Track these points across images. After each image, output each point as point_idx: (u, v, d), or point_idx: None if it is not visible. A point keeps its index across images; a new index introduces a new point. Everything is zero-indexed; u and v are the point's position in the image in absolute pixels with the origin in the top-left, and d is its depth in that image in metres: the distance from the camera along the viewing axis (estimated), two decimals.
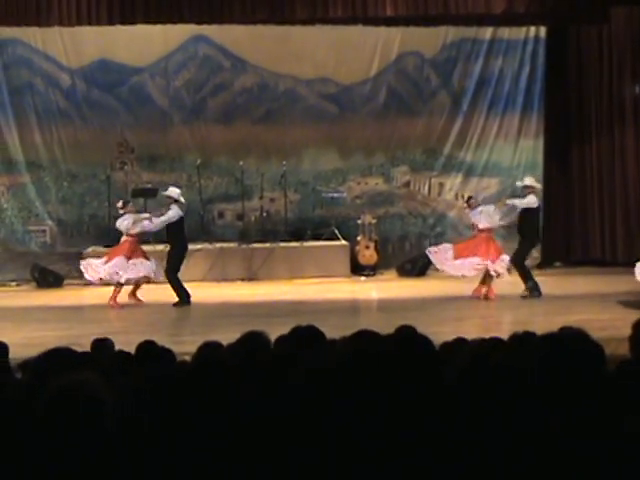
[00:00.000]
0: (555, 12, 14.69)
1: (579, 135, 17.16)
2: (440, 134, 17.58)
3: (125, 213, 13.77)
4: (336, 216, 17.47)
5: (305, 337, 4.89)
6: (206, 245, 16.17)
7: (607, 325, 10.06)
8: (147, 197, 16.54)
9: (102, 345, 6.19)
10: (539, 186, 14.27)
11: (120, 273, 13.46)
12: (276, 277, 16.13)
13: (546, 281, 14.90)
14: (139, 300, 13.77)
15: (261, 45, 16.93)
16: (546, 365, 3.53)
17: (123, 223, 13.69)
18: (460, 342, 5.35)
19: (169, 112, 17.42)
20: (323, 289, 15.12)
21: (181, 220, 13.62)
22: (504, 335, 5.55)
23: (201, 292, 14.05)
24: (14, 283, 16.61)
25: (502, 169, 17.59)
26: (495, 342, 5.29)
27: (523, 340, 5.12)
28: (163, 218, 13.60)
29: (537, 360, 3.58)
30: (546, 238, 17.43)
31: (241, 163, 16.93)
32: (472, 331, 10.60)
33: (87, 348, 6.18)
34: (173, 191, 13.80)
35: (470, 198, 14.11)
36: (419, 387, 3.50)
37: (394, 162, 17.72)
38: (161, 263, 13.72)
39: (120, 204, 14.01)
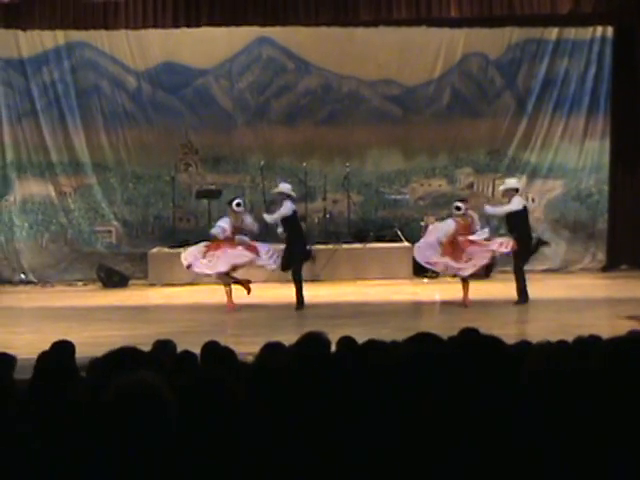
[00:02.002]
0: (622, 11, 14.49)
1: None
2: (504, 135, 17.44)
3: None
4: (399, 217, 17.43)
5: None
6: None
7: None
8: (211, 198, 16.67)
9: (164, 347, 6.22)
10: (518, 186, 13.81)
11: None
12: (339, 278, 16.14)
13: (612, 284, 14.74)
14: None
15: (325, 47, 16.95)
16: (616, 369, 3.50)
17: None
18: (524, 345, 5.30)
19: (233, 114, 17.52)
20: (386, 291, 15.08)
21: (295, 214, 13.65)
22: (568, 338, 5.50)
23: (264, 293, 14.11)
24: (80, 283, 16.88)
25: (567, 171, 17.41)
26: (560, 345, 5.24)
27: (588, 344, 5.06)
28: (275, 216, 13.64)
29: (606, 364, 3.55)
30: (612, 241, 17.21)
31: (304, 164, 16.97)
32: (535, 334, 10.48)
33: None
34: (284, 187, 13.87)
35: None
36: (494, 388, 3.47)
37: (457, 164, 17.62)
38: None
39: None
